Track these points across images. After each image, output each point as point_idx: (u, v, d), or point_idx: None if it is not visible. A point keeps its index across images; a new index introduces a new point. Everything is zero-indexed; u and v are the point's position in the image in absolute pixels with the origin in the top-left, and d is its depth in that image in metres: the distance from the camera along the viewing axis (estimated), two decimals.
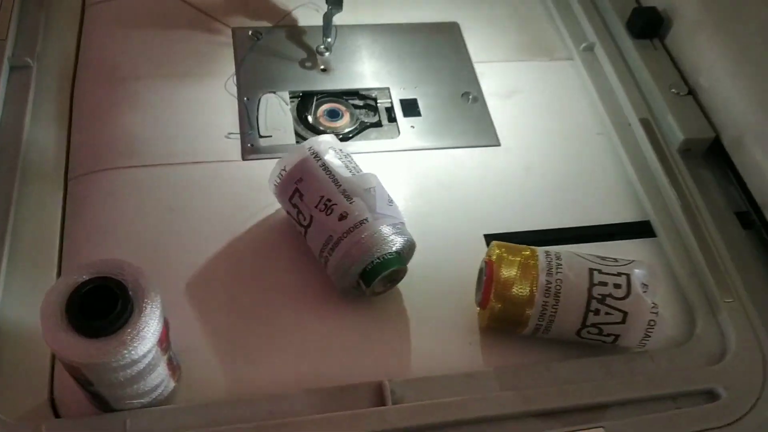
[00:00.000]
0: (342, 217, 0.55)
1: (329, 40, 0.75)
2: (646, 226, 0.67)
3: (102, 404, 0.49)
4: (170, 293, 0.58)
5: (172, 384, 0.51)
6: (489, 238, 0.64)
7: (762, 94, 0.65)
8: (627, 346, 0.56)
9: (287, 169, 0.59)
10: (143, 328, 0.43)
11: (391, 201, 0.58)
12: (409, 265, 0.60)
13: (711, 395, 0.56)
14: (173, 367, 0.51)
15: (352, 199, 0.56)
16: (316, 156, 0.58)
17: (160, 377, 0.49)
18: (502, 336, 0.58)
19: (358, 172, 0.59)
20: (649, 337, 0.55)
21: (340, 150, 0.60)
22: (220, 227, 0.62)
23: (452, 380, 0.54)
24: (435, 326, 0.59)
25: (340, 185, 0.57)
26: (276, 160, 0.60)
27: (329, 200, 0.56)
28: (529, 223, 0.67)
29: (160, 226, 0.62)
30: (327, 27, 0.74)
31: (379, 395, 0.52)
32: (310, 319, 0.58)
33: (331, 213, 0.56)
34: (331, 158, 0.58)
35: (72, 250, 0.60)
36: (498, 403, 0.53)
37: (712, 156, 0.72)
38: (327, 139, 0.60)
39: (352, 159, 0.60)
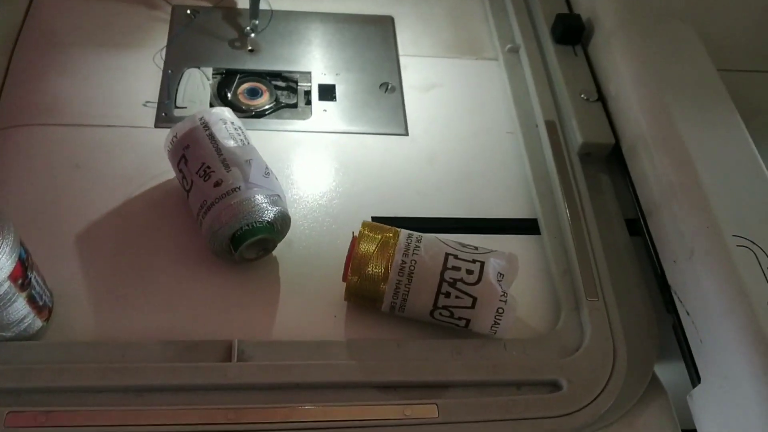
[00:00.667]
0: (217, 183, 0.59)
1: (256, 21, 0.78)
2: (534, 223, 0.69)
3: None
4: (58, 242, 0.62)
5: (39, 323, 0.55)
6: (377, 219, 0.67)
7: (655, 106, 0.67)
8: (479, 332, 0.58)
9: (178, 135, 0.62)
10: None
11: (268, 173, 0.61)
12: (291, 238, 0.64)
13: (554, 386, 0.57)
14: (39, 306, 0.54)
15: (230, 168, 0.59)
16: (205, 126, 0.62)
17: (20, 313, 0.52)
18: (366, 312, 0.61)
19: (244, 144, 0.62)
20: (498, 324, 0.57)
21: (232, 123, 0.63)
22: (120, 187, 0.66)
23: (303, 346, 0.57)
24: (304, 297, 0.61)
25: (222, 154, 0.60)
26: None
27: (209, 167, 0.59)
28: (423, 211, 0.69)
29: (64, 181, 0.66)
30: (254, 8, 0.77)
31: (228, 353, 0.55)
32: (184, 277, 0.61)
33: (208, 179, 0.59)
34: (218, 129, 0.62)
35: None
36: (340, 371, 0.55)
37: (615, 163, 0.73)
38: (219, 110, 0.63)
39: (243, 132, 0.63)
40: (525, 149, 0.73)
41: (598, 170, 0.73)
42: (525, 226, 0.69)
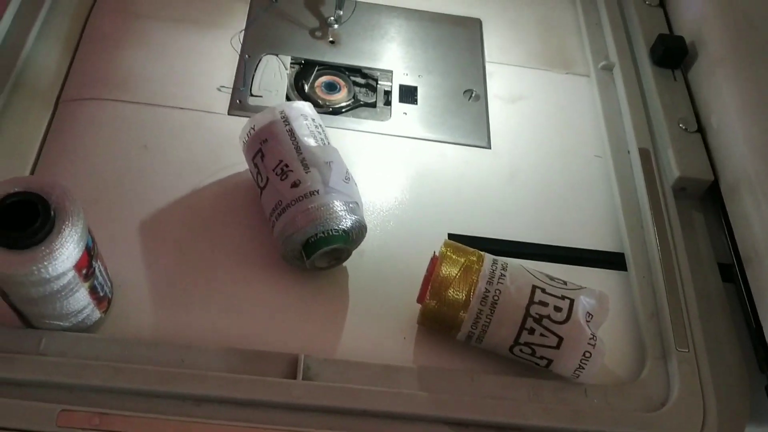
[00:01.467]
0: (294, 184, 0.55)
1: (340, 12, 0.74)
2: (620, 258, 0.64)
3: (22, 319, 0.50)
4: (122, 227, 0.59)
5: (97, 314, 0.52)
6: (453, 237, 0.63)
7: (766, 144, 0.62)
8: (561, 374, 0.54)
9: (256, 128, 0.58)
10: (57, 249, 0.44)
11: (348, 178, 0.57)
12: (364, 249, 0.60)
13: None
14: (99, 297, 0.51)
15: (309, 168, 0.56)
16: (286, 120, 0.58)
17: (80, 303, 0.49)
18: (438, 337, 0.57)
19: (324, 144, 0.58)
20: (583, 368, 0.53)
21: (313, 120, 0.59)
22: (188, 174, 0.63)
23: (371, 369, 0.53)
24: (374, 313, 0.58)
25: (301, 153, 0.56)
26: None
27: (286, 166, 0.56)
28: (500, 232, 0.65)
29: (132, 161, 0.63)
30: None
31: (293, 368, 0.52)
32: (250, 280, 0.57)
33: (285, 178, 0.55)
34: (299, 125, 0.58)
35: (44, 170, 0.61)
36: (410, 401, 0.51)
37: (710, 200, 0.68)
38: (301, 105, 0.60)
39: (323, 131, 0.60)
40: (615, 176, 0.68)
41: (691, 207, 0.67)
42: (610, 260, 0.64)
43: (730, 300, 0.62)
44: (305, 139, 0.57)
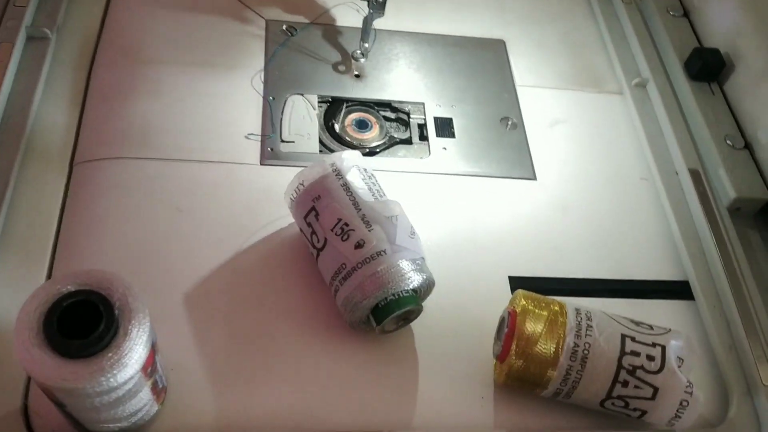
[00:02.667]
0: (359, 245, 0.51)
1: (366, 45, 0.70)
2: (685, 286, 0.62)
3: (76, 425, 0.45)
4: (165, 303, 0.53)
5: (155, 407, 0.47)
6: (514, 280, 0.60)
7: None
8: (655, 423, 0.51)
9: (305, 184, 0.54)
10: (126, 354, 0.39)
11: (413, 233, 0.53)
12: (425, 304, 0.56)
13: None
14: (158, 390, 0.46)
15: (371, 226, 0.51)
16: (338, 174, 0.54)
17: (142, 402, 0.44)
18: (518, 394, 0.53)
19: (381, 196, 0.54)
20: (680, 417, 0.50)
21: (365, 170, 0.55)
22: (228, 235, 0.58)
23: None
24: (446, 374, 0.54)
25: (360, 209, 0.52)
26: (295, 169, 0.56)
27: (347, 224, 0.51)
28: (559, 270, 0.62)
29: (165, 227, 0.58)
30: (366, 31, 0.69)
31: None
32: (312, 350, 0.53)
33: (347, 239, 0.51)
34: (353, 178, 0.54)
35: (68, 241, 0.56)
36: None
37: (762, 218, 0.66)
38: (351, 156, 0.55)
39: (377, 181, 0.55)
40: (667, 200, 0.66)
41: (746, 226, 0.65)
42: (674, 290, 0.62)
43: None
44: (361, 192, 0.53)
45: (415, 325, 0.55)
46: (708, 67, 0.71)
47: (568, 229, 0.64)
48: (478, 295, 0.58)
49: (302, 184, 0.54)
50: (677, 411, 0.50)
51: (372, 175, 0.56)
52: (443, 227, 0.62)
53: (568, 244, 0.63)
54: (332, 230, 0.52)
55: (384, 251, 0.51)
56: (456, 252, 0.61)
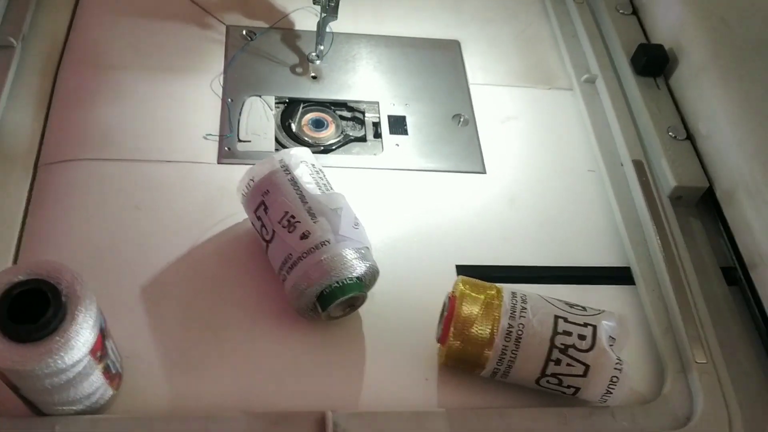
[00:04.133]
0: (304, 236, 0.53)
1: (321, 47, 0.73)
2: (626, 272, 0.65)
3: (32, 408, 0.47)
4: (123, 295, 0.56)
5: (110, 392, 0.50)
6: (461, 269, 0.62)
7: (760, 148, 0.62)
8: (588, 400, 0.54)
9: (255, 179, 0.57)
10: (73, 338, 0.42)
11: (357, 224, 0.56)
12: (373, 291, 0.59)
13: None
14: (112, 375, 0.49)
15: (317, 218, 0.54)
16: (286, 169, 0.56)
17: (94, 386, 0.47)
18: (460, 375, 0.56)
19: (328, 190, 0.57)
20: (611, 393, 0.52)
21: (313, 165, 0.58)
22: (185, 231, 0.60)
23: (400, 418, 0.52)
24: (392, 357, 0.56)
25: (307, 203, 0.55)
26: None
27: (293, 217, 0.54)
28: (506, 258, 0.64)
29: (124, 224, 0.60)
30: (320, 34, 0.72)
31: (321, 426, 0.50)
32: (263, 337, 0.56)
33: (293, 230, 0.54)
34: (301, 173, 0.56)
35: (32, 239, 0.59)
36: None
37: (704, 206, 0.69)
38: (300, 152, 0.58)
39: (324, 176, 0.58)
40: (611, 190, 0.69)
41: (687, 214, 0.68)
42: (616, 276, 0.65)
43: (738, 304, 0.63)
44: (308, 186, 0.56)
45: (364, 312, 0.58)
46: (652, 63, 0.74)
47: (516, 220, 0.67)
48: (426, 284, 0.60)
49: (252, 180, 0.57)
50: (608, 387, 0.52)
51: (320, 170, 0.58)
52: (395, 220, 0.65)
53: (515, 234, 0.66)
54: (279, 222, 0.55)
55: (328, 241, 0.53)
56: (406, 243, 0.63)
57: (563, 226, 0.67)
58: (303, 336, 0.56)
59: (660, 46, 0.75)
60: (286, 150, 0.58)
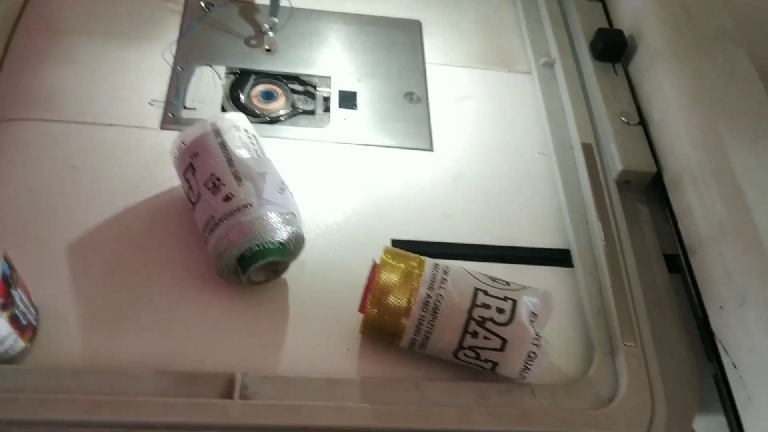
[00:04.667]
0: (227, 198, 0.53)
1: (275, 20, 0.73)
2: (566, 255, 0.64)
3: None
4: (50, 252, 0.56)
5: (21, 344, 0.50)
6: (397, 243, 0.62)
7: (706, 135, 0.62)
8: (507, 376, 0.53)
9: (186, 142, 0.57)
10: None
11: (283, 189, 0.55)
12: (304, 260, 0.58)
13: None
14: (22, 327, 0.49)
15: (242, 181, 0.54)
16: (217, 133, 0.56)
17: (0, 334, 0.47)
18: (382, 347, 0.55)
19: (259, 156, 0.57)
20: (529, 369, 0.52)
21: (245, 130, 0.58)
22: (120, 193, 0.61)
23: (313, 383, 0.51)
24: (315, 326, 0.56)
25: (233, 166, 0.55)
26: None
27: (218, 179, 0.54)
28: (446, 235, 0.64)
29: (60, 183, 0.61)
30: (274, 6, 0.72)
31: (229, 388, 0.50)
32: (185, 299, 0.55)
33: (217, 192, 0.54)
34: (231, 137, 0.56)
35: None
36: (352, 414, 0.50)
37: (654, 192, 0.68)
38: (233, 117, 0.58)
39: (257, 142, 0.58)
40: (559, 173, 0.68)
41: (635, 199, 0.67)
42: (556, 258, 0.64)
43: (678, 291, 0.62)
44: (238, 151, 0.56)
45: (292, 280, 0.58)
46: (610, 48, 0.73)
47: (459, 198, 0.66)
48: (359, 256, 0.59)
49: (183, 143, 0.57)
50: (526, 363, 0.52)
51: (253, 135, 0.58)
52: (335, 192, 0.65)
53: (457, 212, 0.65)
54: (205, 185, 0.54)
55: (251, 204, 0.53)
56: (344, 215, 0.63)
57: (507, 207, 0.67)
58: (226, 301, 0.56)
59: (619, 32, 0.74)
60: (220, 114, 0.58)
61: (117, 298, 0.55)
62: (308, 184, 0.64)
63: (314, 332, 0.56)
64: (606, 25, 0.78)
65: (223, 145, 0.56)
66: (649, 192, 0.68)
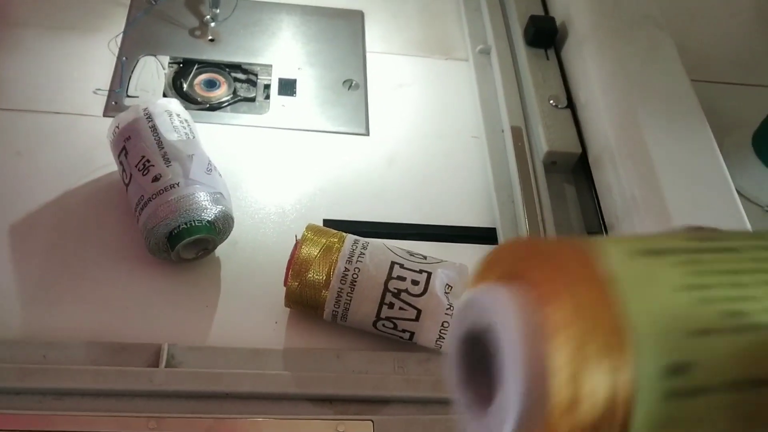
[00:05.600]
0: (155, 178, 0.56)
1: (216, 10, 0.75)
2: (492, 233, 0.67)
3: None
4: None
5: None
6: (328, 223, 0.64)
7: (623, 115, 0.64)
8: (425, 345, 0.56)
9: (120, 126, 0.59)
10: None
11: (210, 170, 0.58)
12: (237, 239, 0.61)
13: None
14: None
15: (170, 162, 0.57)
16: (149, 117, 0.59)
17: None
18: (308, 320, 0.58)
19: (190, 138, 0.59)
20: (444, 338, 0.54)
21: (178, 115, 0.60)
22: (61, 177, 0.63)
23: (238, 353, 0.54)
24: (245, 301, 0.59)
25: (163, 148, 0.57)
26: None
27: (148, 161, 0.57)
28: (378, 215, 0.66)
29: (3, 168, 0.63)
30: None
31: (156, 357, 0.53)
32: (119, 276, 0.58)
33: (147, 173, 0.56)
34: (162, 121, 0.59)
35: None
36: (272, 381, 0.52)
37: (582, 173, 0.71)
38: (165, 102, 0.61)
39: (189, 125, 0.61)
40: (489, 155, 0.71)
41: (563, 180, 0.70)
42: (482, 236, 0.67)
43: None
44: (167, 134, 0.58)
45: (224, 257, 0.61)
46: (541, 34, 0.76)
47: (393, 180, 0.69)
48: (290, 235, 0.62)
49: (118, 127, 0.60)
50: (440, 332, 0.54)
51: (185, 120, 0.61)
52: (271, 176, 0.67)
53: (389, 193, 0.68)
54: (136, 166, 0.57)
55: (177, 184, 0.56)
56: (278, 197, 0.66)
57: (438, 187, 0.69)
58: (158, 277, 0.58)
59: (551, 18, 0.77)
60: (153, 99, 0.61)
61: (54, 274, 0.57)
62: (246, 168, 0.67)
63: (244, 307, 0.58)
64: (542, 12, 0.80)
65: (154, 129, 0.58)
66: (577, 173, 0.71)
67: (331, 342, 0.57)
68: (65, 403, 0.50)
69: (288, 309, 0.58)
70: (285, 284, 0.56)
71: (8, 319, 0.55)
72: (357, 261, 0.55)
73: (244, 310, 0.58)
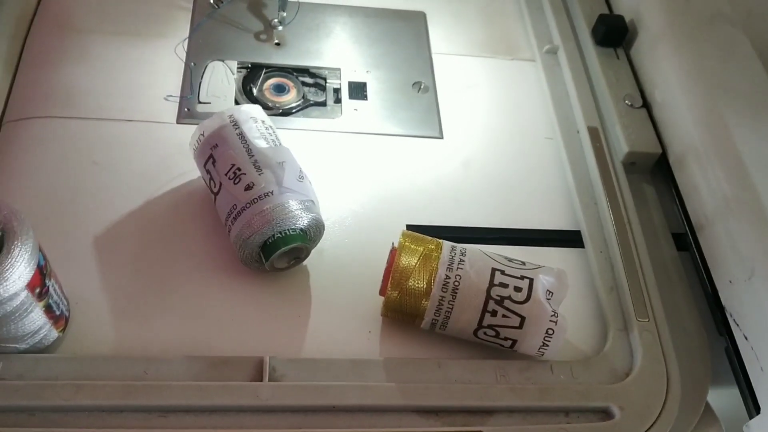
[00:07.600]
0: (248, 187, 0.55)
1: (284, 14, 0.74)
2: (576, 236, 0.65)
3: None
4: (76, 244, 0.58)
5: (54, 333, 0.51)
6: (411, 228, 0.63)
7: (707, 114, 0.63)
8: (526, 353, 0.55)
9: (205, 134, 0.58)
10: (8, 269, 0.43)
11: (302, 177, 0.57)
12: (323, 247, 0.60)
13: (606, 414, 0.54)
14: (56, 316, 0.50)
15: (262, 170, 0.55)
16: (235, 124, 0.58)
17: (36, 324, 0.48)
18: (403, 328, 0.57)
19: (276, 145, 0.58)
20: (547, 345, 0.53)
21: (263, 121, 0.59)
22: (140, 186, 0.62)
23: (337, 365, 0.53)
24: (337, 310, 0.58)
25: (253, 156, 0.56)
26: None
27: (239, 169, 0.55)
28: (458, 219, 0.65)
29: (82, 178, 0.62)
30: (282, 1, 0.73)
31: (259, 371, 0.51)
32: (210, 287, 0.57)
33: (238, 182, 0.55)
34: (249, 128, 0.58)
35: None
36: (378, 393, 0.51)
37: (660, 173, 0.70)
38: (249, 109, 0.59)
39: (274, 132, 0.59)
40: (566, 156, 0.70)
41: (642, 180, 0.69)
42: (567, 239, 0.65)
43: (686, 268, 0.64)
44: (256, 141, 0.57)
45: (312, 266, 0.59)
46: (612, 33, 0.75)
47: (470, 183, 0.68)
48: (375, 241, 0.61)
49: (203, 134, 0.58)
50: (544, 339, 0.53)
51: (270, 126, 0.60)
52: (350, 181, 0.66)
53: (467, 196, 0.67)
54: (226, 175, 0.56)
55: (271, 192, 0.54)
56: (359, 203, 0.65)
57: (516, 190, 0.68)
58: (250, 287, 0.57)
59: (620, 17, 0.76)
60: (237, 106, 0.59)
61: (143, 287, 0.56)
62: (323, 173, 0.66)
63: (336, 316, 0.57)
64: (606, 11, 0.79)
65: (242, 136, 0.57)
66: (654, 173, 0.70)
67: (428, 351, 0.56)
68: (170, 421, 0.49)
69: (380, 317, 0.57)
70: (382, 293, 0.55)
71: (102, 334, 0.53)
72: (457, 268, 0.53)
73: (336, 320, 0.57)
